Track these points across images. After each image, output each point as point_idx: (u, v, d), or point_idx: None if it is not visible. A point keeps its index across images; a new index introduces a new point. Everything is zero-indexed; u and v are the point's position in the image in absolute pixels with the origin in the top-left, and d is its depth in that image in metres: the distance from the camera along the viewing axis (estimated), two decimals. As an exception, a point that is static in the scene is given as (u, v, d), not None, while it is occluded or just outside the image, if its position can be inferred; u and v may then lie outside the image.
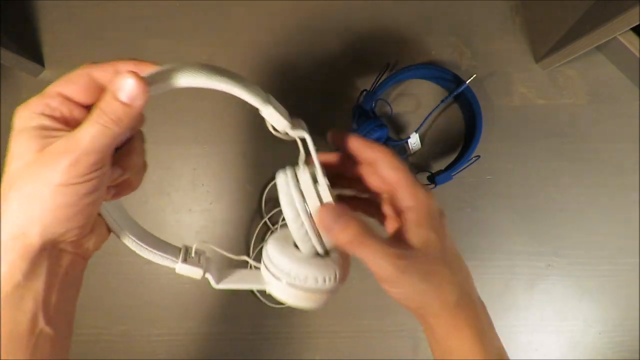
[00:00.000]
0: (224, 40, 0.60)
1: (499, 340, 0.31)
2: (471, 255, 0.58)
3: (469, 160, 0.54)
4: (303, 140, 0.30)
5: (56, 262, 0.24)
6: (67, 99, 0.25)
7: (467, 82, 0.55)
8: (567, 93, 0.60)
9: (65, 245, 0.25)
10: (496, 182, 0.59)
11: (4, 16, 0.60)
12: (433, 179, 0.54)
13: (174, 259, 0.31)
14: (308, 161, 0.31)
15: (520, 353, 0.57)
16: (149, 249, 0.30)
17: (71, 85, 0.25)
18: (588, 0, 0.55)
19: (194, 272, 0.31)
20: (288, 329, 0.56)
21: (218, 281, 0.31)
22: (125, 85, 0.22)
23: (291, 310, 0.56)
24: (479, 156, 0.54)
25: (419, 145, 0.56)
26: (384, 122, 0.52)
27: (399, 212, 0.30)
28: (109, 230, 0.29)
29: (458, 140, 0.59)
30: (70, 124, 0.24)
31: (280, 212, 0.56)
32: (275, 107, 0.28)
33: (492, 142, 0.59)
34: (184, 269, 0.30)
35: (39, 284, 0.23)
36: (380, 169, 0.30)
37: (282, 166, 0.61)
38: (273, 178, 0.57)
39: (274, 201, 0.58)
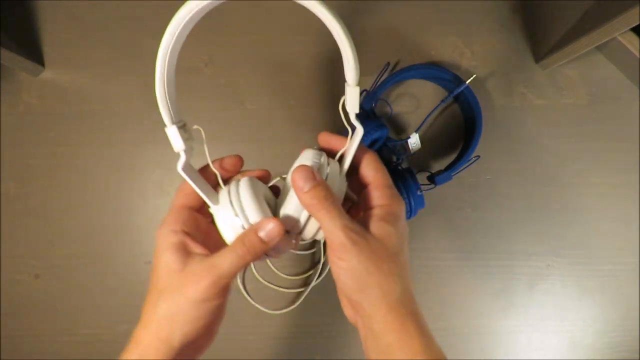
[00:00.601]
0: (224, 40, 0.60)
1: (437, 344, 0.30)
2: (471, 255, 0.58)
3: (469, 160, 0.54)
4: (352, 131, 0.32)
5: (185, 358, 0.30)
6: (189, 208, 0.32)
7: (467, 82, 0.55)
8: (567, 93, 0.60)
9: (194, 344, 0.30)
10: (496, 182, 0.59)
11: (4, 16, 0.60)
12: (433, 179, 0.54)
13: (174, 117, 0.31)
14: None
15: (520, 353, 0.57)
16: (167, 86, 0.30)
17: (186, 196, 0.32)
18: (588, 0, 0.55)
19: (176, 142, 0.30)
20: (288, 329, 0.56)
21: (184, 167, 0.30)
22: (267, 227, 0.29)
23: (291, 311, 0.56)
24: (479, 156, 0.54)
25: (419, 145, 0.56)
26: (384, 122, 0.52)
27: (369, 207, 0.31)
28: (219, 323, 0.33)
29: (458, 140, 0.60)
30: (200, 232, 0.31)
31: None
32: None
33: (492, 142, 0.59)
34: (173, 133, 0.30)
35: None
36: (363, 168, 0.32)
37: (282, 166, 0.61)
38: (273, 178, 0.57)
39: (274, 201, 0.58)
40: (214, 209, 0.31)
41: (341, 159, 0.33)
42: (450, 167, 0.55)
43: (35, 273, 0.57)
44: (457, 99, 0.59)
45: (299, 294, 0.56)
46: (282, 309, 0.56)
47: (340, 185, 0.31)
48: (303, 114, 0.59)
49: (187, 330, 0.28)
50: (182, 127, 0.31)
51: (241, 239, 0.29)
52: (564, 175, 0.59)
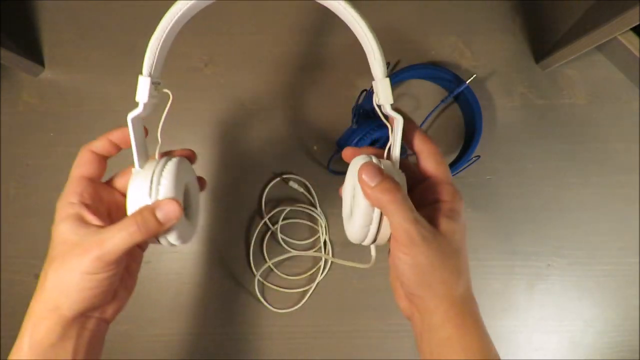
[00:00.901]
0: (224, 40, 0.60)
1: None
2: (471, 255, 0.57)
3: (469, 160, 0.54)
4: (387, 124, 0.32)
5: (83, 327, 0.30)
6: (87, 179, 0.31)
7: (467, 82, 0.55)
8: (567, 93, 0.60)
9: (91, 313, 0.30)
10: (496, 182, 0.59)
11: (4, 16, 0.60)
12: (433, 179, 0.54)
13: (153, 71, 0.31)
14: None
15: (520, 353, 0.57)
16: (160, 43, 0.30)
17: (83, 166, 0.31)
18: (588, 0, 0.55)
19: (143, 92, 0.31)
20: (288, 329, 0.56)
21: (134, 119, 0.30)
22: (166, 207, 0.28)
23: (291, 311, 0.56)
24: (479, 156, 0.54)
25: (419, 145, 0.56)
26: (384, 122, 0.52)
27: (430, 201, 0.31)
28: (129, 294, 0.34)
29: (458, 140, 0.60)
30: (103, 204, 0.32)
31: (281, 212, 0.57)
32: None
33: (492, 142, 0.59)
34: (144, 83, 0.31)
35: (69, 344, 0.29)
36: (423, 160, 0.32)
37: (282, 166, 0.61)
38: (273, 178, 0.57)
39: (274, 201, 0.58)
40: (134, 171, 0.31)
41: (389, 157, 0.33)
42: (450, 167, 0.55)
43: (35, 273, 0.57)
44: (457, 99, 0.59)
45: (302, 294, 0.56)
46: (284, 309, 0.56)
47: (400, 180, 0.30)
48: (303, 114, 0.59)
49: (76, 300, 0.28)
50: (155, 85, 0.31)
51: (136, 215, 0.28)
52: (564, 175, 0.59)
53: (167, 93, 0.33)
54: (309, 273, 0.57)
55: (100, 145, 0.32)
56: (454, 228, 0.29)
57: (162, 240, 0.31)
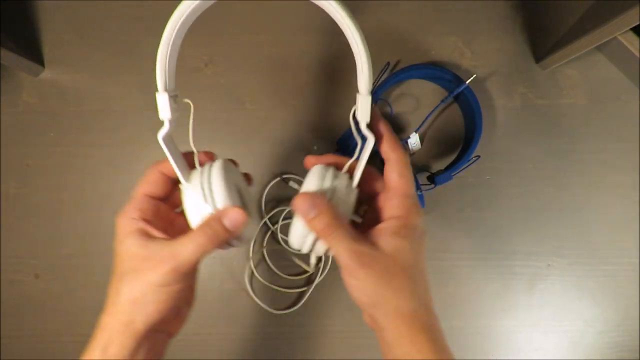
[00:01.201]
0: (224, 40, 0.60)
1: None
2: (471, 255, 0.58)
3: (469, 160, 0.54)
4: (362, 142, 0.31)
5: (153, 342, 0.30)
6: (151, 197, 0.32)
7: (467, 82, 0.55)
8: (567, 93, 0.60)
9: (161, 328, 0.31)
10: (496, 182, 0.59)
11: (4, 16, 0.60)
12: (433, 179, 0.54)
13: (168, 85, 0.30)
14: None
15: (520, 353, 0.57)
16: (169, 56, 0.30)
17: (150, 185, 0.32)
18: (588, 0, 0.55)
19: (164, 109, 0.30)
20: (288, 329, 0.56)
21: (164, 137, 0.30)
22: (232, 215, 0.29)
23: (291, 311, 0.56)
24: (479, 156, 0.54)
25: (419, 145, 0.56)
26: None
27: (386, 216, 0.30)
28: (190, 308, 0.35)
29: (458, 140, 0.60)
30: (161, 220, 0.32)
31: (281, 212, 0.57)
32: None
33: (492, 142, 0.59)
34: (163, 99, 0.30)
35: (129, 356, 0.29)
36: (388, 170, 0.31)
37: (282, 166, 0.61)
38: (273, 178, 0.57)
39: (274, 201, 0.58)
40: (184, 187, 0.31)
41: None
42: (450, 167, 0.55)
43: (35, 273, 0.57)
44: (457, 99, 0.59)
45: (301, 294, 0.56)
46: (283, 309, 0.56)
47: (346, 200, 0.30)
48: (303, 114, 0.59)
49: (150, 313, 0.29)
50: (173, 98, 0.31)
51: (204, 226, 0.29)
52: (564, 175, 0.59)
53: (188, 103, 0.33)
54: (308, 273, 0.57)
55: (169, 167, 0.32)
56: (401, 246, 0.29)
57: (233, 243, 0.31)
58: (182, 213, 0.34)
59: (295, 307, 0.56)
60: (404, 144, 0.55)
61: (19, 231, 0.57)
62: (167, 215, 0.33)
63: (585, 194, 0.58)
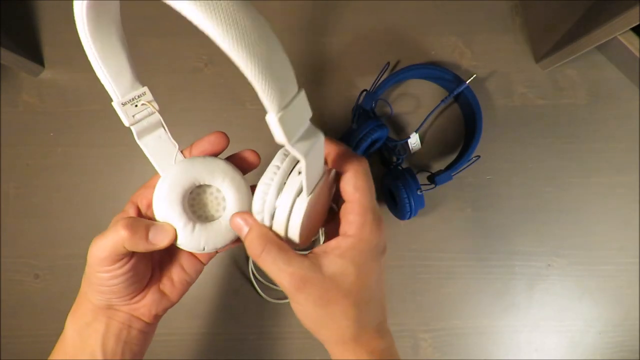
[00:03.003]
0: (224, 40, 0.60)
1: None
2: (471, 256, 0.58)
3: (469, 160, 0.54)
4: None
5: (111, 317, 0.32)
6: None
7: (467, 82, 0.55)
8: (567, 93, 0.60)
9: (118, 307, 0.32)
10: (496, 182, 0.59)
11: (4, 16, 0.60)
12: (433, 179, 0.54)
13: (117, 93, 0.29)
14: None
15: (520, 353, 0.57)
16: (102, 65, 0.28)
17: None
18: (588, 0, 0.55)
19: (123, 118, 0.30)
20: (288, 329, 0.56)
21: (139, 137, 0.31)
22: (159, 233, 0.30)
23: (291, 310, 0.56)
24: (479, 156, 0.54)
25: (419, 145, 0.56)
26: (384, 122, 0.52)
27: (340, 224, 0.28)
28: (169, 302, 0.36)
29: (458, 140, 0.59)
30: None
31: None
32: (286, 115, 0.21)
33: (492, 142, 0.59)
34: (119, 109, 0.30)
35: (100, 328, 0.32)
36: (343, 182, 0.28)
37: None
38: (273, 178, 0.57)
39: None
40: (161, 178, 0.32)
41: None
42: (450, 167, 0.55)
43: (35, 273, 0.57)
44: (457, 99, 0.59)
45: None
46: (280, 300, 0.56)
47: (291, 216, 0.27)
48: (303, 114, 0.59)
49: (95, 292, 0.31)
50: (131, 102, 0.30)
51: (132, 222, 0.29)
52: (564, 175, 0.59)
53: (151, 106, 0.32)
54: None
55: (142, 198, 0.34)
56: (344, 270, 0.26)
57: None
58: None
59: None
60: (404, 143, 0.55)
61: (19, 231, 0.57)
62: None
63: (586, 194, 0.58)
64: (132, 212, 0.32)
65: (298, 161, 0.28)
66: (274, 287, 0.56)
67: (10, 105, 0.59)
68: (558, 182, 0.59)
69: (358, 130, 0.51)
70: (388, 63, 0.58)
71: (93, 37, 0.27)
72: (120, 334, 0.32)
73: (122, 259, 0.30)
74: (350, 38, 0.61)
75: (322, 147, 0.26)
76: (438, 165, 0.58)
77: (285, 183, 0.27)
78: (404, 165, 0.56)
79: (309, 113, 0.23)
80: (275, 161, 0.28)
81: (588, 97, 0.60)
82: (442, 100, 0.57)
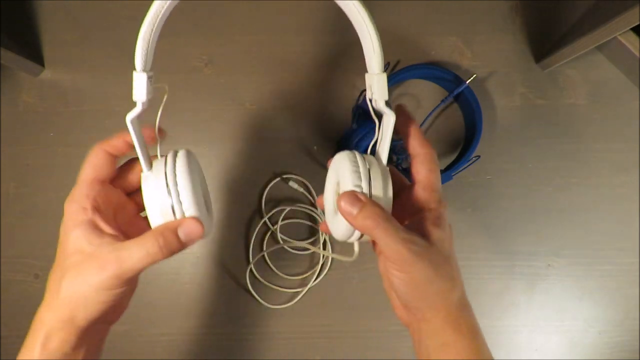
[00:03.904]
0: (224, 40, 0.60)
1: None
2: (471, 255, 0.58)
3: (469, 160, 0.54)
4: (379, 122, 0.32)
5: (94, 336, 0.30)
6: (100, 181, 0.30)
7: (467, 82, 0.55)
8: (567, 93, 0.60)
9: (101, 320, 0.30)
10: (496, 182, 0.59)
11: (4, 16, 0.60)
12: (433, 179, 0.54)
13: (141, 66, 0.29)
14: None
15: (520, 353, 0.57)
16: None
17: (97, 168, 0.31)
18: (588, 0, 0.55)
19: (140, 90, 0.29)
20: (288, 329, 0.56)
21: (132, 120, 0.29)
22: (189, 227, 0.27)
23: (291, 310, 0.56)
24: (479, 156, 0.54)
25: (419, 145, 0.56)
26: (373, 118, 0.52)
27: (417, 209, 0.31)
28: (129, 299, 0.33)
29: (458, 140, 0.60)
30: (112, 207, 0.30)
31: (280, 212, 0.57)
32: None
33: (492, 142, 0.59)
34: (140, 80, 0.29)
35: (81, 353, 0.29)
36: (417, 165, 0.31)
37: (282, 166, 0.61)
38: (273, 178, 0.57)
39: (274, 201, 0.58)
40: (144, 175, 0.30)
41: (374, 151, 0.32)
42: (450, 167, 0.55)
43: (35, 273, 0.57)
44: (457, 99, 0.59)
45: (297, 294, 0.56)
46: (280, 304, 0.56)
47: (384, 180, 0.30)
48: (303, 114, 0.59)
49: (90, 313, 0.28)
50: (150, 79, 0.29)
51: (158, 235, 0.27)
52: (564, 175, 0.59)
53: (163, 87, 0.31)
54: (309, 273, 0.56)
55: (115, 145, 0.31)
56: (442, 236, 0.29)
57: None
58: (132, 198, 0.33)
59: (289, 304, 0.56)
60: (404, 143, 0.55)
61: (19, 231, 0.57)
62: (118, 200, 0.32)
63: (586, 194, 0.58)
64: (99, 160, 0.31)
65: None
66: (275, 287, 0.56)
67: (10, 105, 0.59)
68: (558, 182, 0.59)
69: (358, 130, 0.51)
70: (388, 63, 0.58)
71: (163, 16, 0.30)
72: (98, 349, 0.32)
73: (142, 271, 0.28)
74: (350, 38, 0.61)
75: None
76: (438, 165, 0.58)
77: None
78: (404, 165, 0.56)
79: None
80: (349, 164, 0.30)
81: (588, 97, 0.60)
82: (442, 100, 0.57)
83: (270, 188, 0.57)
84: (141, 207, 0.33)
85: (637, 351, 0.57)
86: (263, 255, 0.57)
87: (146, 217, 0.30)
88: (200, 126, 0.59)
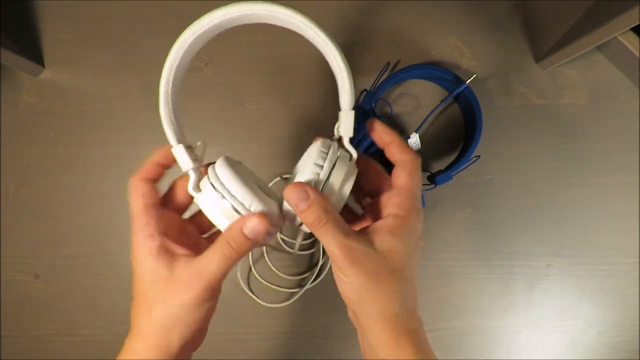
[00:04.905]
0: (224, 40, 0.60)
1: None
2: (471, 255, 0.58)
3: (469, 160, 0.54)
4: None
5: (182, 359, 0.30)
6: (153, 206, 0.30)
7: (467, 82, 0.55)
8: (567, 93, 0.60)
9: (190, 345, 0.31)
10: (496, 182, 0.59)
11: (4, 16, 0.60)
12: (433, 179, 0.54)
13: (174, 140, 0.30)
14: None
15: (521, 353, 0.57)
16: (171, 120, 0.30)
17: (143, 196, 0.30)
18: (588, 0, 0.55)
19: (183, 161, 0.30)
20: (288, 329, 0.56)
21: (194, 187, 0.30)
22: (252, 224, 0.28)
23: (291, 310, 0.56)
24: (479, 156, 0.54)
25: (419, 145, 0.56)
26: (384, 122, 0.52)
27: (387, 213, 0.30)
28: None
29: (458, 140, 0.60)
30: (174, 228, 0.31)
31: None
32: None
33: (492, 142, 0.59)
34: (179, 152, 0.30)
35: None
36: (397, 170, 0.31)
37: (282, 166, 0.61)
38: (273, 178, 0.57)
39: (274, 201, 0.58)
40: (197, 198, 0.30)
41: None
42: (450, 167, 0.55)
43: (35, 273, 0.57)
44: (457, 99, 0.59)
45: (296, 293, 0.56)
46: (278, 304, 0.56)
47: (345, 176, 0.30)
48: (303, 114, 0.59)
49: (184, 335, 0.29)
50: (189, 147, 0.31)
51: (226, 238, 0.28)
52: (564, 175, 0.59)
53: (203, 143, 0.33)
54: (304, 275, 0.57)
55: (149, 171, 0.32)
56: (395, 247, 0.28)
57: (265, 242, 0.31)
58: (191, 221, 0.34)
59: (287, 303, 0.56)
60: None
61: (19, 231, 0.57)
62: (177, 222, 0.32)
63: (586, 194, 0.58)
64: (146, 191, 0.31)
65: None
66: (275, 287, 0.56)
67: (10, 105, 0.59)
68: (558, 182, 0.59)
69: (358, 130, 0.51)
70: (388, 63, 0.58)
71: (175, 75, 0.30)
72: None
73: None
74: (350, 38, 0.61)
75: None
76: (438, 165, 0.58)
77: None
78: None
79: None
80: (319, 152, 0.31)
81: (588, 97, 0.60)
82: (442, 100, 0.57)
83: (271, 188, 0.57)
84: (201, 228, 0.34)
85: (637, 351, 0.57)
86: (262, 255, 0.57)
87: (208, 238, 0.31)
88: (200, 126, 0.59)
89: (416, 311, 0.30)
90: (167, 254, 0.29)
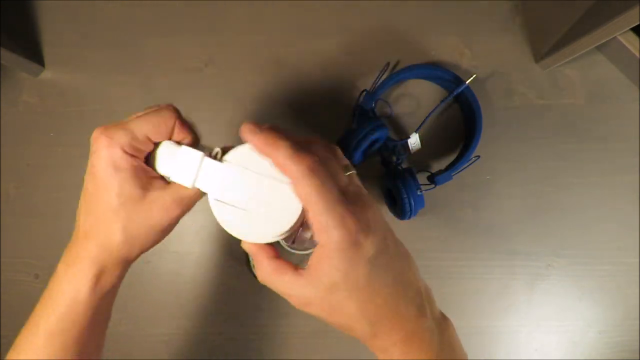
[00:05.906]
0: (224, 40, 0.60)
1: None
2: (471, 255, 0.58)
3: (469, 160, 0.54)
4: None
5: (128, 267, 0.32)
6: (150, 141, 0.29)
7: (467, 82, 0.55)
8: (567, 93, 0.60)
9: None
10: (496, 182, 0.59)
11: (4, 16, 0.60)
12: (433, 179, 0.54)
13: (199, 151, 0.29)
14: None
15: (520, 353, 0.57)
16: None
17: (156, 128, 0.29)
18: (588, 0, 0.55)
19: (207, 188, 0.30)
20: (288, 329, 0.56)
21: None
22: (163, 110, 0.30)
23: (291, 310, 0.56)
24: (479, 156, 0.54)
25: (419, 145, 0.56)
26: (384, 122, 0.52)
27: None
28: None
29: (458, 140, 0.60)
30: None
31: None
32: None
33: (492, 142, 0.59)
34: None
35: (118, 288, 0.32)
36: (294, 187, 0.25)
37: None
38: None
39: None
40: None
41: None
42: (450, 167, 0.55)
43: (35, 273, 0.57)
44: (457, 99, 0.59)
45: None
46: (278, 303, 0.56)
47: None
48: (303, 114, 0.59)
49: (147, 248, 0.30)
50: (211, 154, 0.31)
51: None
52: (564, 175, 0.59)
53: (215, 150, 0.32)
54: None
55: (137, 145, 0.29)
56: (330, 277, 0.25)
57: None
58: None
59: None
60: (404, 143, 0.55)
61: (19, 231, 0.57)
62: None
63: (585, 194, 0.58)
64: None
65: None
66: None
67: (10, 105, 0.59)
68: (558, 182, 0.59)
69: (358, 130, 0.51)
70: (388, 63, 0.58)
71: None
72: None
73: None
74: (350, 38, 0.61)
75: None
76: (438, 165, 0.58)
77: None
78: (404, 165, 0.56)
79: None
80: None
81: (588, 97, 0.60)
82: (442, 100, 0.57)
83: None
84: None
85: (637, 351, 0.57)
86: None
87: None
88: (200, 126, 0.59)
89: (404, 310, 0.27)
90: (144, 174, 0.28)
